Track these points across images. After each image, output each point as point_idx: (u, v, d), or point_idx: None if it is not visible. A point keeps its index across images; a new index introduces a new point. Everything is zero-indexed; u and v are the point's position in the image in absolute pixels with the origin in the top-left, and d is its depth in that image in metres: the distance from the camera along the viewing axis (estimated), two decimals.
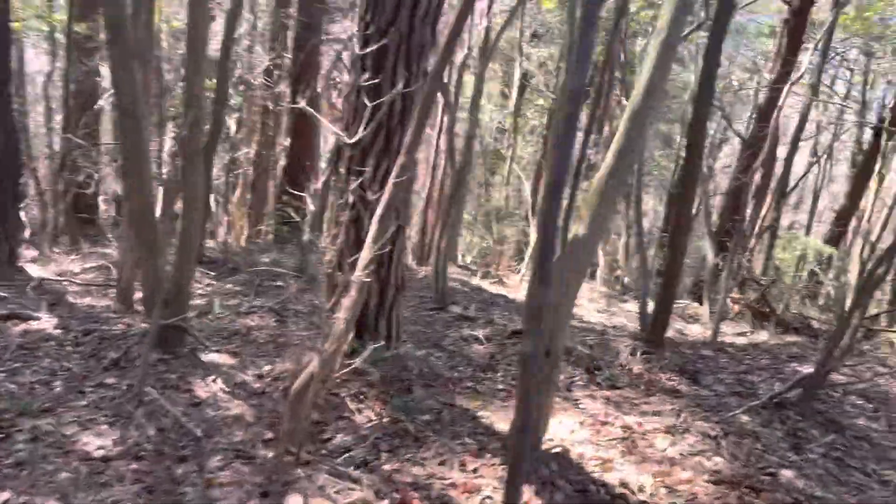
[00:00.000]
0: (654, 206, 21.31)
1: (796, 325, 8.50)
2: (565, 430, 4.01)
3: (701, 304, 9.57)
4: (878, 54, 14.64)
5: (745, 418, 4.31)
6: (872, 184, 12.82)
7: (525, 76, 14.78)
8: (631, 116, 3.32)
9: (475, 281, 10.52)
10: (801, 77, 9.01)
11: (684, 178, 5.19)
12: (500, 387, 4.70)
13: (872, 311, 10.66)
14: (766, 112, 10.84)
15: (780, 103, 8.15)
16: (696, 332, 7.91)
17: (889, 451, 4.27)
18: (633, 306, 9.56)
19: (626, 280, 13.45)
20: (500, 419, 4.12)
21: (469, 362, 5.13)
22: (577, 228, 3.42)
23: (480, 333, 5.71)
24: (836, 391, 5.61)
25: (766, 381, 5.69)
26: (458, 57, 10.80)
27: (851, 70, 16.63)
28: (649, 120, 3.43)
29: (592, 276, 15.65)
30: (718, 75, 15.79)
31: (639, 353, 5.27)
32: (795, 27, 10.72)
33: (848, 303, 6.95)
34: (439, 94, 6.38)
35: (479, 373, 4.90)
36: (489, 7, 10.93)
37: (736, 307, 9.09)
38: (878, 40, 12.75)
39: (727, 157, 18.06)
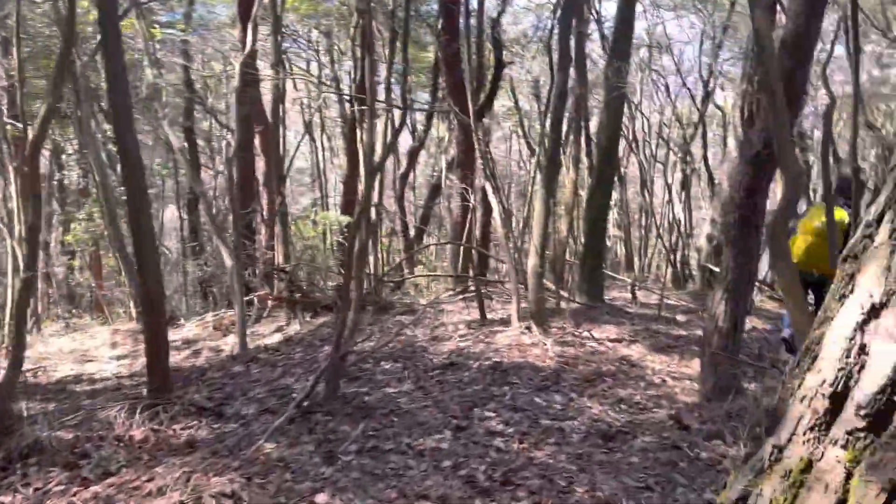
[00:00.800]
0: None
1: (329, 304, 8.44)
2: None
3: None
4: (336, 32, 15.84)
5: (270, 446, 3.64)
6: (360, 150, 13.92)
7: None
8: None
9: None
10: (249, 56, 8.75)
11: (125, 183, 4.18)
12: None
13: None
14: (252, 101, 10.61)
15: (236, 86, 7.73)
16: (233, 343, 7.14)
17: (418, 414, 4.14)
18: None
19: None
20: None
21: None
22: None
23: None
24: (368, 361, 5.47)
25: (300, 378, 5.22)
26: None
27: (317, 50, 17.78)
28: None
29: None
30: (193, 68, 15.06)
31: (140, 410, 4.17)
32: (244, 13, 10.60)
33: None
34: None
35: None
36: None
37: (269, 303, 8.64)
38: (326, 17, 13.66)
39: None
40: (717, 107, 16.37)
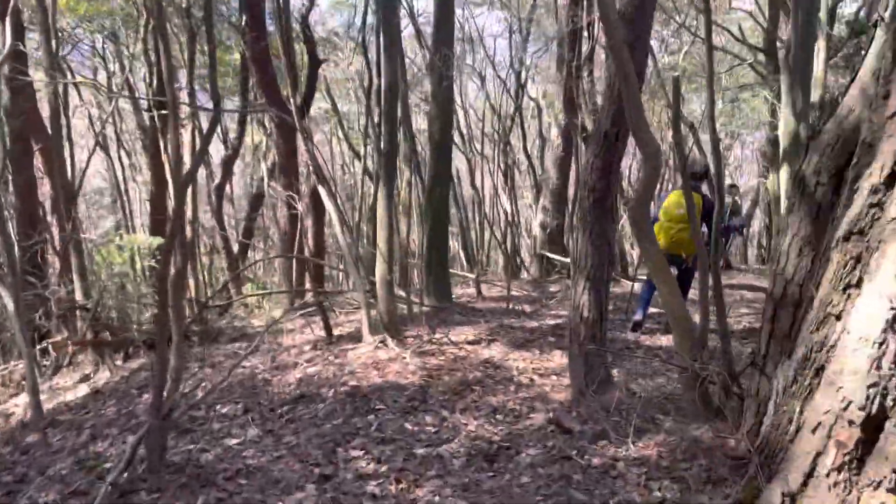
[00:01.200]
0: None
1: (146, 339, 7.29)
2: None
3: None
4: (123, 36, 14.18)
5: None
6: (166, 163, 12.53)
7: None
8: None
9: None
10: (10, 59, 7.38)
11: None
12: None
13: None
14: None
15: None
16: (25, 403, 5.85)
17: (271, 469, 3.44)
18: None
19: None
20: None
21: None
22: None
23: None
24: (199, 407, 4.62)
25: (115, 442, 4.26)
26: None
27: (104, 58, 15.89)
28: None
29: None
30: None
31: None
32: (4, 11, 8.99)
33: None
34: None
35: None
36: None
37: (70, 349, 7.30)
38: (111, 18, 12.16)
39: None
40: (531, 98, 16.92)
